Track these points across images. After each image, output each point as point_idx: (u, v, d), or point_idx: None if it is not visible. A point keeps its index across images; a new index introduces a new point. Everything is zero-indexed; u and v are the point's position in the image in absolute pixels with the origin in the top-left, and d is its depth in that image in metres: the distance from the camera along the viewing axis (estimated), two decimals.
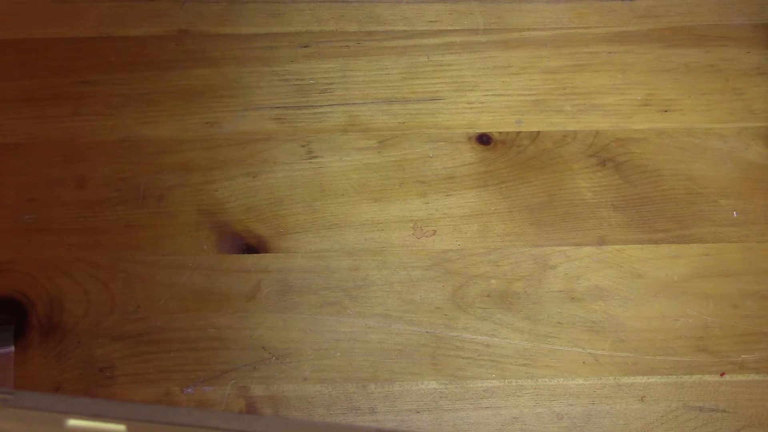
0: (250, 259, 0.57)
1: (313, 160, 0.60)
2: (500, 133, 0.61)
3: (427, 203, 0.59)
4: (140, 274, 0.56)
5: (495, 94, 0.63)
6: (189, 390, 0.54)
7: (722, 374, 0.53)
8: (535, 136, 0.61)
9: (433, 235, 0.58)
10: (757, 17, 0.67)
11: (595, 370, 0.53)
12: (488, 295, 0.55)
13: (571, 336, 0.54)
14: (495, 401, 0.52)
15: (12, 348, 0.53)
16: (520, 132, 0.61)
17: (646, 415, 0.52)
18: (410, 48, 0.64)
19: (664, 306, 0.55)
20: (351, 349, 0.53)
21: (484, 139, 0.61)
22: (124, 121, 0.60)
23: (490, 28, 0.66)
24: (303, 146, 0.60)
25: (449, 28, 0.65)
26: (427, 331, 0.55)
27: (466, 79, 0.63)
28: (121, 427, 0.26)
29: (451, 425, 0.51)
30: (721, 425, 0.52)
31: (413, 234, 0.58)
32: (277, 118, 0.61)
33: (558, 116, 0.62)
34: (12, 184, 0.58)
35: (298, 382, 0.52)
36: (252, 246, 0.57)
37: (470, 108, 0.62)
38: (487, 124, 0.62)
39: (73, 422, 0.26)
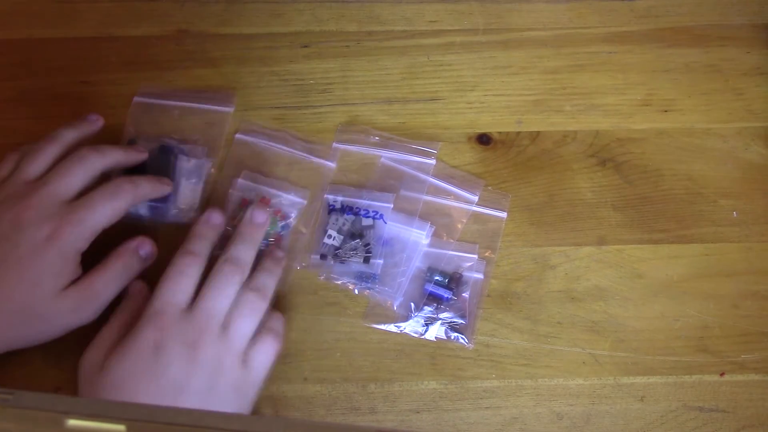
0: None
1: None
2: (500, 133, 0.61)
3: None
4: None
5: (495, 94, 0.63)
6: None
7: (722, 374, 0.53)
8: (535, 136, 0.61)
9: None
10: (757, 17, 0.67)
11: (595, 370, 0.53)
12: (488, 295, 0.55)
13: (571, 336, 0.54)
14: (495, 401, 0.52)
15: None
16: (520, 132, 0.61)
17: (646, 415, 0.52)
18: (410, 48, 0.64)
19: (664, 306, 0.55)
20: (351, 349, 0.53)
21: (484, 139, 0.61)
22: (123, 122, 0.60)
23: (490, 28, 0.66)
24: None
25: (449, 28, 0.65)
26: None
27: (466, 79, 0.63)
28: (121, 427, 0.26)
29: (451, 425, 0.51)
30: (721, 425, 0.52)
31: None
32: (277, 118, 0.61)
33: (558, 116, 0.62)
34: None
35: (298, 382, 0.52)
36: None
37: (470, 108, 0.62)
38: (487, 124, 0.62)
39: (73, 422, 0.26)
